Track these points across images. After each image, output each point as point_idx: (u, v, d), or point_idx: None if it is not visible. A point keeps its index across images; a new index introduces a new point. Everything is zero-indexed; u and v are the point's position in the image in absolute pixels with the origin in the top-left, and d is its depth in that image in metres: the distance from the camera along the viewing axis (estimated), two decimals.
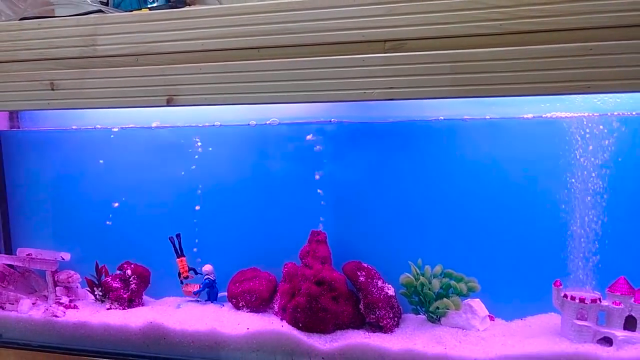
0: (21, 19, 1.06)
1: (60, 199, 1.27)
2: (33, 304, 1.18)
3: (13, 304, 1.18)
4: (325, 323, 1.00)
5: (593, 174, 0.93)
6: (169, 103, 0.97)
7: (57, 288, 1.19)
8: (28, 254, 1.20)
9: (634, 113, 0.91)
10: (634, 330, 0.87)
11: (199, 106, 0.98)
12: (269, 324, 1.04)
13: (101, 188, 1.25)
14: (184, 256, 1.17)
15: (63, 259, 1.20)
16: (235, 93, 0.93)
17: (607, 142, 0.92)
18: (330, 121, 1.08)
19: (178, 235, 1.16)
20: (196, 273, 1.17)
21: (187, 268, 1.16)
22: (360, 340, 0.98)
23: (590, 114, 0.92)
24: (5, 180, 1.27)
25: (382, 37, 0.84)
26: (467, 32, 0.80)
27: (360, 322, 1.04)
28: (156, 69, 0.96)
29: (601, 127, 0.91)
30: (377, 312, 1.00)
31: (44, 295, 1.21)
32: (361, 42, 0.85)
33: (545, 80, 0.77)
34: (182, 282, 1.17)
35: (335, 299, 1.01)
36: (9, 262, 1.21)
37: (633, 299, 0.87)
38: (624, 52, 0.74)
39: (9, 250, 1.27)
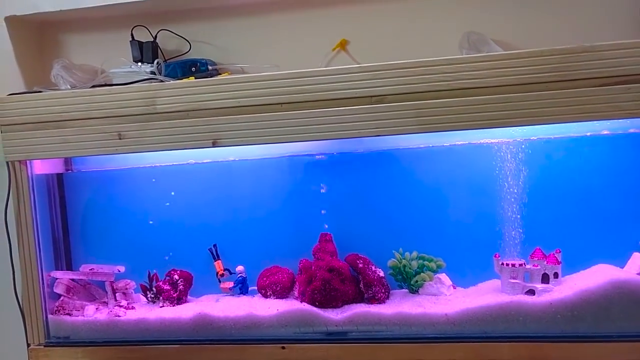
0: (92, 87, 1.37)
1: (112, 224, 1.53)
2: (96, 309, 1.46)
3: (79, 311, 1.44)
4: (336, 300, 1.33)
5: (513, 183, 1.32)
6: (214, 145, 1.30)
7: (116, 294, 1.48)
8: (91, 269, 1.47)
9: (534, 138, 1.31)
10: (548, 283, 1.25)
11: (237, 146, 1.31)
12: (293, 305, 1.34)
13: (145, 213, 1.52)
14: (220, 259, 1.47)
15: (119, 271, 1.45)
16: (264, 136, 1.26)
17: (524, 157, 1.32)
18: (316, 156, 1.43)
19: (215, 245, 1.47)
20: (230, 273, 1.46)
21: (222, 268, 1.46)
22: (363, 310, 1.30)
23: (510, 140, 1.31)
24: (67, 212, 1.55)
25: (369, 94, 1.20)
26: (426, 89, 1.18)
27: (361, 298, 1.36)
28: (203, 120, 1.27)
29: (515, 149, 1.32)
30: (373, 289, 1.34)
31: (104, 302, 1.47)
32: (355, 97, 1.21)
33: (477, 119, 1.16)
34: (219, 281, 1.46)
35: (342, 281, 1.34)
36: (74, 277, 1.47)
37: (546, 262, 1.26)
38: (519, 100, 1.15)
39: (70, 268, 1.52)
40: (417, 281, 1.35)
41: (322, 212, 1.45)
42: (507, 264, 1.28)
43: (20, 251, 1.41)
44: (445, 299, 1.33)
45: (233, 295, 1.46)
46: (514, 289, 1.27)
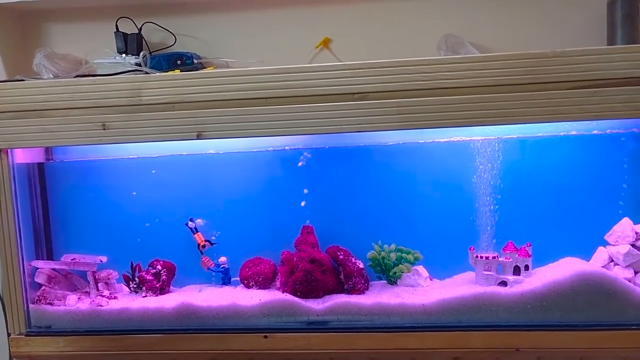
0: (76, 76, 1.38)
1: (94, 215, 1.53)
2: (78, 298, 1.46)
3: (60, 300, 1.44)
4: (317, 290, 1.37)
5: (488, 180, 1.38)
6: (199, 137, 1.32)
7: (99, 284, 1.48)
8: (72, 259, 1.47)
9: (508, 137, 1.37)
10: (519, 275, 1.31)
11: (221, 139, 1.33)
12: (275, 296, 1.37)
13: (126, 205, 1.53)
14: (199, 232, 1.47)
15: (101, 261, 1.46)
16: (248, 129, 1.28)
17: (498, 155, 1.38)
18: (304, 155, 1.46)
19: (191, 219, 1.47)
20: (211, 244, 1.46)
21: (203, 239, 1.46)
22: (343, 300, 1.34)
23: (485, 138, 1.36)
24: (48, 201, 1.55)
25: (352, 91, 1.23)
26: (406, 87, 1.22)
27: (341, 288, 1.40)
28: (188, 112, 1.28)
29: (490, 147, 1.38)
30: (353, 280, 1.38)
31: (86, 292, 1.48)
32: (338, 94, 1.24)
33: (454, 117, 1.21)
34: (202, 253, 1.46)
35: (323, 272, 1.38)
36: (56, 267, 1.46)
37: (517, 255, 1.32)
38: (493, 100, 1.21)
39: (51, 258, 1.52)
40: (395, 273, 1.40)
41: (302, 204, 1.47)
42: (481, 257, 1.34)
43: (0, 240, 1.40)
44: (422, 290, 1.38)
45: (215, 285, 1.48)
46: (487, 281, 1.33)
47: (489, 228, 1.38)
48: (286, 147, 1.45)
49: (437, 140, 1.39)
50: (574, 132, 1.35)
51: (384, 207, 1.47)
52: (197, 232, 1.48)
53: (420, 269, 1.42)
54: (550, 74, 1.18)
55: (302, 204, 1.48)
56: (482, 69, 1.20)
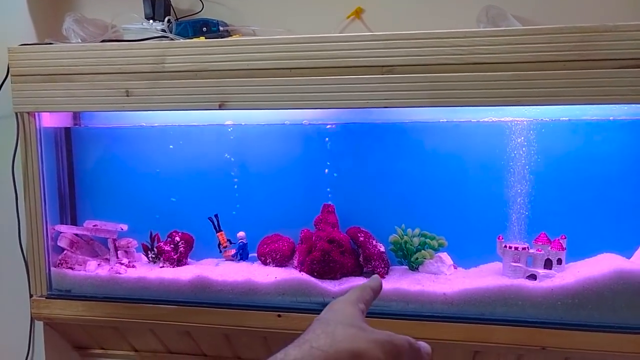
0: (102, 41, 1.37)
1: (117, 182, 1.53)
2: (98, 265, 1.48)
3: (81, 265, 1.46)
4: (334, 272, 1.33)
5: (523, 165, 1.29)
6: (220, 107, 1.28)
7: (118, 252, 1.49)
8: (94, 225, 1.48)
9: (548, 119, 1.27)
10: (551, 269, 1.23)
11: (244, 110, 1.30)
12: (291, 274, 1.33)
13: (151, 174, 1.52)
14: (222, 231, 1.47)
15: (122, 229, 1.46)
16: (271, 101, 1.23)
17: (534, 139, 1.29)
18: (328, 126, 1.41)
19: (216, 216, 1.46)
20: (232, 243, 1.46)
21: (226, 240, 1.46)
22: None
23: (522, 119, 1.27)
24: (74, 167, 1.56)
25: (381, 63, 1.17)
26: (439, 61, 1.15)
27: (360, 271, 1.35)
28: (211, 81, 1.25)
29: (527, 129, 1.29)
30: (373, 263, 1.34)
31: (106, 259, 1.49)
32: (366, 66, 1.18)
33: (490, 95, 1.13)
34: (221, 252, 1.46)
35: (342, 253, 1.34)
36: (78, 232, 1.48)
37: (550, 247, 1.23)
38: (534, 78, 1.11)
39: (74, 223, 1.54)
40: (417, 258, 1.34)
41: (328, 189, 1.43)
42: (510, 247, 1.26)
43: (26, 203, 1.42)
44: (445, 278, 1.31)
45: (233, 260, 1.46)
46: (515, 273, 1.25)
47: (520, 217, 1.29)
48: (304, 121, 1.39)
49: (470, 119, 1.31)
50: (624, 117, 1.23)
51: (410, 189, 1.40)
52: (220, 230, 1.46)
53: (444, 256, 1.35)
54: (600, 50, 1.08)
55: (328, 188, 1.43)
56: (524, 43, 1.10)
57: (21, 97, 1.36)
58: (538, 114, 1.25)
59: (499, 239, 1.29)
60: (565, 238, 1.24)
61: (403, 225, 1.37)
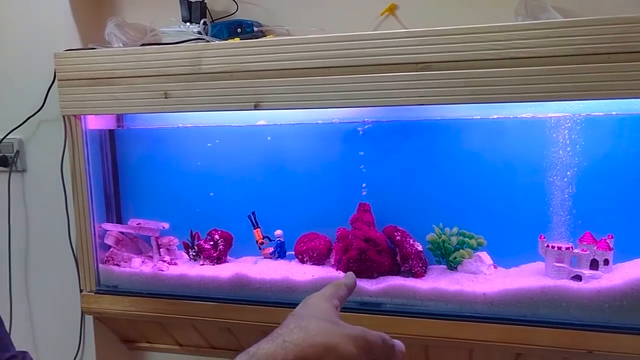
0: (142, 45, 1.40)
1: (158, 182, 1.57)
2: (142, 262, 1.53)
3: (126, 262, 1.51)
4: (371, 270, 1.32)
5: (565, 162, 1.24)
6: (256, 107, 1.29)
7: (160, 250, 1.53)
8: (138, 223, 1.53)
9: (591, 114, 1.21)
10: (597, 269, 1.18)
11: (278, 110, 1.30)
12: (328, 272, 1.34)
13: (190, 173, 1.55)
14: (259, 227, 1.49)
15: (164, 227, 1.50)
16: (305, 100, 1.23)
17: (577, 135, 1.23)
18: (365, 120, 1.40)
19: (253, 213, 1.48)
20: (270, 240, 1.47)
21: (262, 236, 1.48)
22: (399, 282, 1.28)
23: (563, 115, 1.22)
24: (118, 167, 1.61)
25: (415, 60, 1.15)
26: (475, 57, 1.12)
27: (397, 270, 1.34)
28: (246, 82, 1.26)
29: (571, 124, 1.23)
30: (410, 262, 1.32)
31: (149, 256, 1.54)
32: (400, 63, 1.16)
33: (529, 91, 1.09)
34: (259, 248, 1.48)
35: (378, 252, 1.33)
36: (123, 230, 1.54)
37: (596, 247, 1.18)
38: (576, 72, 1.06)
39: (119, 221, 1.59)
40: (455, 257, 1.31)
41: (363, 185, 1.42)
42: (553, 247, 1.22)
43: (75, 202, 1.48)
44: (484, 278, 1.28)
45: (270, 258, 1.48)
46: (558, 273, 1.21)
47: (563, 215, 1.24)
48: (334, 120, 1.39)
49: (508, 116, 1.27)
50: None
51: (447, 187, 1.37)
52: (258, 227, 1.48)
53: (484, 255, 1.31)
54: None
55: (363, 185, 1.41)
56: (565, 35, 1.06)
57: (67, 101, 1.42)
58: (580, 109, 1.20)
59: (540, 238, 1.24)
60: (612, 238, 1.19)
61: (441, 224, 1.34)
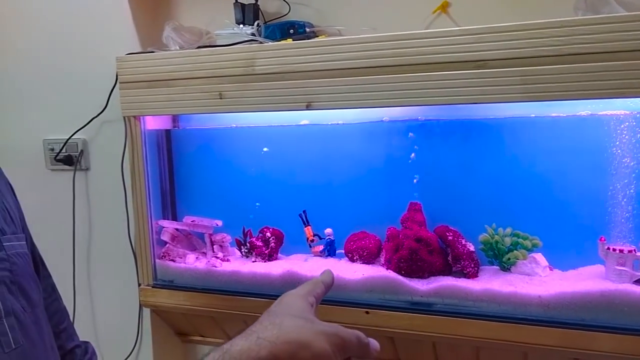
0: (198, 47, 1.44)
1: (212, 180, 1.62)
2: (196, 258, 1.58)
3: (182, 258, 1.57)
4: (422, 270, 1.31)
5: (628, 161, 1.19)
6: (308, 107, 1.31)
7: (214, 246, 1.58)
8: (192, 221, 1.58)
9: None
10: None
11: (330, 110, 1.31)
12: (378, 272, 1.34)
13: (243, 173, 1.58)
14: (310, 225, 1.51)
15: (217, 225, 1.55)
16: (358, 100, 1.24)
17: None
18: (419, 118, 1.39)
19: (304, 212, 1.50)
20: (320, 238, 1.49)
21: (312, 234, 1.50)
22: (450, 283, 1.26)
23: (626, 112, 1.17)
24: (174, 166, 1.67)
25: (471, 58, 1.13)
26: (533, 54, 1.09)
27: (448, 271, 1.33)
28: (299, 82, 1.28)
29: (635, 122, 1.18)
30: (462, 263, 1.31)
31: (203, 252, 1.59)
32: (455, 62, 1.15)
33: (590, 88, 1.05)
34: (310, 246, 1.50)
35: (430, 252, 1.32)
36: (178, 227, 1.59)
37: None
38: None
39: (175, 218, 1.65)
40: (509, 259, 1.29)
41: (415, 179, 1.41)
42: (614, 249, 1.17)
43: (134, 200, 1.54)
44: (540, 280, 1.25)
45: (321, 256, 1.49)
46: (620, 277, 1.16)
47: (624, 217, 1.19)
48: (384, 118, 1.38)
49: (566, 114, 1.24)
50: None
51: (501, 187, 1.35)
52: (308, 225, 1.49)
53: (539, 256, 1.28)
54: None
55: (415, 180, 1.40)
56: (628, 30, 1.02)
57: (128, 103, 1.48)
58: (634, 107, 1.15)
59: (600, 240, 1.20)
60: None
61: (494, 225, 1.32)
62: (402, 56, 1.20)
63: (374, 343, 0.63)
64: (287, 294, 0.66)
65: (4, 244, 0.76)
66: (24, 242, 0.85)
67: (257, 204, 1.58)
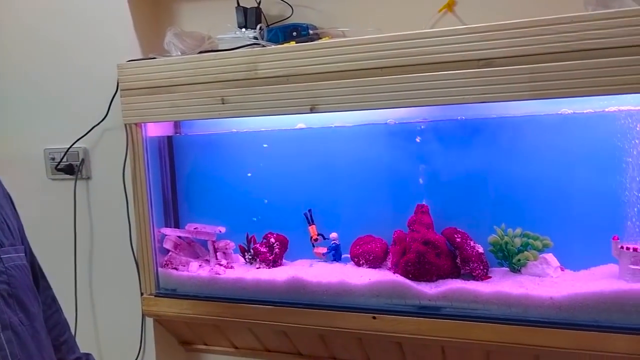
0: (200, 52, 1.43)
1: (214, 186, 1.60)
2: (199, 266, 1.55)
3: (184, 266, 1.54)
4: (430, 274, 1.29)
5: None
6: (312, 110, 1.29)
7: (217, 253, 1.55)
8: (195, 228, 1.56)
9: None
10: None
11: (334, 112, 1.29)
12: (385, 276, 1.31)
13: (245, 179, 1.56)
14: (314, 224, 1.48)
15: (220, 231, 1.52)
16: (362, 102, 1.23)
17: None
18: (423, 119, 1.38)
19: (310, 210, 1.48)
20: (324, 238, 1.47)
21: (316, 233, 1.47)
22: (459, 286, 1.24)
23: (636, 108, 1.16)
24: (175, 173, 1.65)
25: (477, 57, 1.12)
26: (541, 51, 1.08)
27: (457, 273, 1.30)
28: (302, 85, 1.27)
29: None
30: (471, 265, 1.28)
31: (206, 260, 1.56)
32: (461, 61, 1.13)
33: (600, 84, 1.04)
34: (313, 245, 1.47)
35: (438, 255, 1.29)
36: (181, 235, 1.57)
37: None
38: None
39: (177, 226, 1.62)
40: (519, 260, 1.27)
41: (421, 181, 1.39)
42: (628, 248, 1.15)
43: (136, 208, 1.52)
44: (551, 281, 1.23)
45: (326, 261, 1.47)
46: (634, 276, 1.14)
47: (638, 215, 1.17)
48: (389, 120, 1.37)
49: (575, 111, 1.22)
50: None
51: (509, 187, 1.32)
52: (313, 224, 1.48)
53: (550, 257, 1.26)
54: None
55: (420, 181, 1.39)
56: (638, 24, 1.01)
57: (129, 110, 1.46)
58: None
59: (614, 239, 1.18)
60: None
61: (503, 225, 1.30)
62: (407, 56, 1.18)
63: None
64: None
65: (2, 256, 0.75)
66: (23, 254, 0.83)
67: (265, 200, 1.56)
